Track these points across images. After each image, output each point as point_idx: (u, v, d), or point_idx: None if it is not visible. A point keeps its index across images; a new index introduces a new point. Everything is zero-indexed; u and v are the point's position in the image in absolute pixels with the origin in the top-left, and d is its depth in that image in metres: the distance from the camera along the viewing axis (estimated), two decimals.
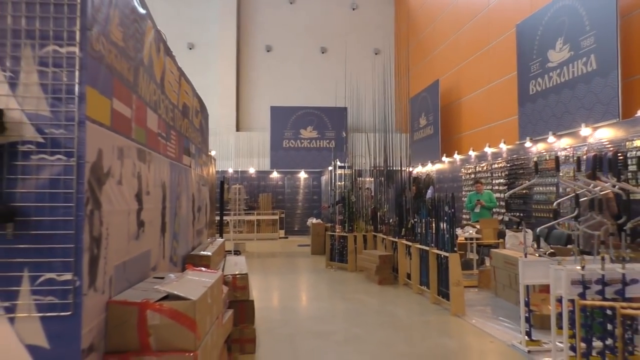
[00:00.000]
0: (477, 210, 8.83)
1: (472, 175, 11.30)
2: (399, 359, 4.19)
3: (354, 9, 18.31)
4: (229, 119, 17.15)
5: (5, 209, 1.81)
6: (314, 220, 12.90)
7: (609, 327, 3.51)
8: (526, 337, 4.31)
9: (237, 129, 17.42)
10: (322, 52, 18.13)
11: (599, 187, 3.90)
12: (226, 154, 16.35)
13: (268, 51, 17.99)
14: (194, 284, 2.61)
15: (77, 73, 1.88)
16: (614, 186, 3.98)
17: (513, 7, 10.11)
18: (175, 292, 2.33)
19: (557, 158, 4.42)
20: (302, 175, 17.12)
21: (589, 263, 3.66)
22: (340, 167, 11.39)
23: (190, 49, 17.41)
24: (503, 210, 9.59)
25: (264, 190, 16.78)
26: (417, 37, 16.15)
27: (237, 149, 16.85)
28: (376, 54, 18.12)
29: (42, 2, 1.87)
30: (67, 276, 1.85)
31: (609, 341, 3.52)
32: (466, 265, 7.64)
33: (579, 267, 3.58)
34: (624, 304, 3.13)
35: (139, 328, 2.21)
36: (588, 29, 7.35)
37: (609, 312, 3.45)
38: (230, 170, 16.32)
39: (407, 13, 16.97)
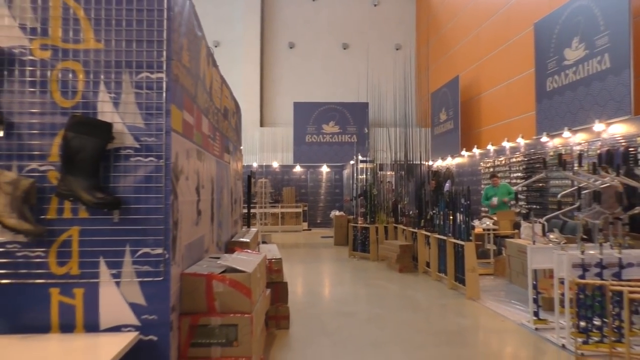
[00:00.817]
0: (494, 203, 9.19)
1: (491, 169, 11.63)
2: (416, 334, 4.68)
3: (375, 5, 18.65)
4: (254, 114, 17.73)
5: (113, 199, 2.37)
6: (337, 213, 13.42)
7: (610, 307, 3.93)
8: (534, 316, 4.75)
9: (261, 125, 18.01)
10: (344, 48, 18.53)
11: (599, 181, 4.30)
12: (251, 149, 16.92)
13: (291, 48, 18.49)
14: (246, 261, 3.16)
15: (164, 94, 2.43)
16: (612, 180, 4.37)
17: (532, 5, 10.37)
18: (234, 266, 2.87)
19: (560, 155, 4.83)
20: (325, 169, 17.60)
21: (589, 249, 4.08)
22: (361, 161, 11.80)
23: (216, 46, 18.01)
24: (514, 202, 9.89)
25: (288, 184, 17.32)
26: (438, 33, 16.41)
27: (261, 144, 17.41)
28: (397, 49, 18.45)
29: (138, 39, 2.41)
30: (159, 250, 2.41)
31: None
32: (483, 254, 8.05)
33: (579, 252, 4.01)
34: (614, 282, 3.55)
35: (206, 294, 2.76)
36: (602, 29, 7.64)
37: (610, 292, 3.87)
38: (255, 165, 16.92)
39: (428, 9, 17.23)
